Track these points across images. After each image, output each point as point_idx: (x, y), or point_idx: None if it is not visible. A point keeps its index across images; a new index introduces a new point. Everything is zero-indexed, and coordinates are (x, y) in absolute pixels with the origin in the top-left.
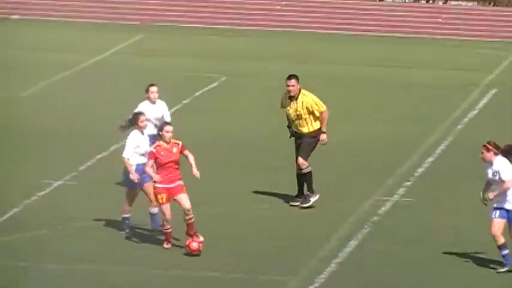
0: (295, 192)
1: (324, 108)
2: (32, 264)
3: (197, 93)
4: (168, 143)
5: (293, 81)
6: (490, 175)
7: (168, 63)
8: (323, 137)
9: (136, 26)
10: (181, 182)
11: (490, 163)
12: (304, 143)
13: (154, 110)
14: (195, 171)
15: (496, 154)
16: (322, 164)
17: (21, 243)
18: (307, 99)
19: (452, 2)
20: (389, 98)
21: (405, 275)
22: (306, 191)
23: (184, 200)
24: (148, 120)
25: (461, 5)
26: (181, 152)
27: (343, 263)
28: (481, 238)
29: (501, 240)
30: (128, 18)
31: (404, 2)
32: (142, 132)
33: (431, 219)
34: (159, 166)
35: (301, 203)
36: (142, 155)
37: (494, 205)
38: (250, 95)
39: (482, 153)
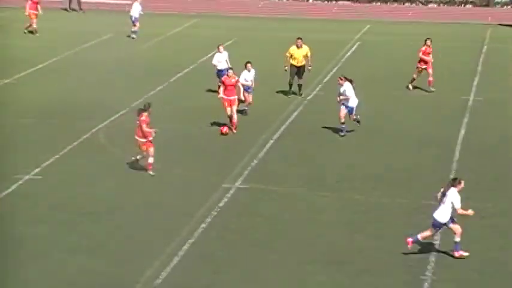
0: None
1: (310, 53)
2: None
3: None
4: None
5: (300, 41)
6: (341, 91)
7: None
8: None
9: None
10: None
11: (341, 86)
12: (302, 70)
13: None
14: None
15: (343, 81)
16: None
17: None
18: (306, 48)
19: None
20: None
21: None
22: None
23: None
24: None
25: None
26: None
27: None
28: None
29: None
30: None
31: None
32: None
33: None
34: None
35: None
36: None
37: (342, 102)
38: None
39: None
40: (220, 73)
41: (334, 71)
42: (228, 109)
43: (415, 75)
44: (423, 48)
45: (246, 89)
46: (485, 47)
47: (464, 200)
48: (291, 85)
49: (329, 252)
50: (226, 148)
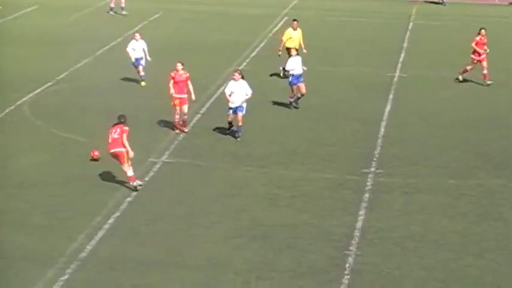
0: None
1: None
2: None
3: None
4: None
5: (296, 23)
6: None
7: None
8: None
9: None
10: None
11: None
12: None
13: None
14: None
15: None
16: None
17: None
18: (300, 30)
19: None
20: None
21: None
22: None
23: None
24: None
25: None
26: None
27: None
28: None
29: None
30: None
31: None
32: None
33: None
34: None
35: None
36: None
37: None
38: None
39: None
40: (136, 63)
41: (261, 45)
42: (178, 108)
43: (469, 67)
44: (477, 38)
45: (294, 79)
46: (411, 23)
47: (388, 176)
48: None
49: (254, 227)
50: (153, 122)
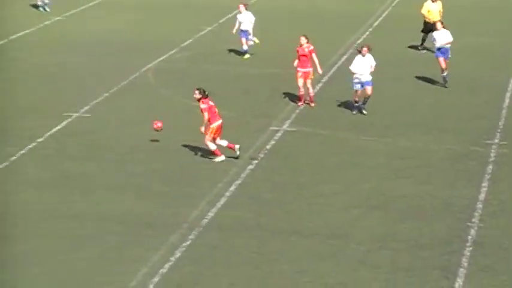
0: None
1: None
2: None
3: None
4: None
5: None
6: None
7: None
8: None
9: None
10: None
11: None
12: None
13: None
14: None
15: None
16: None
17: None
18: (440, 3)
19: None
20: None
21: None
22: None
23: None
24: None
25: None
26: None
27: None
28: None
29: None
30: None
31: None
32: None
33: None
34: None
35: None
36: None
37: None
38: None
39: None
40: (241, 34)
41: (384, 14)
42: (301, 81)
43: None
44: None
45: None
46: None
47: None
48: (424, 40)
49: (375, 197)
50: (274, 91)
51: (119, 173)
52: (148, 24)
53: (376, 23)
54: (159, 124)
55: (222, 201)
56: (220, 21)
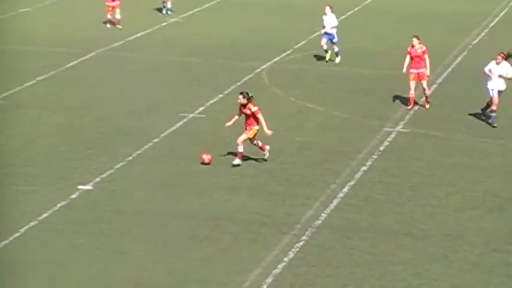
0: None
1: None
2: None
3: None
4: None
5: None
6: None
7: None
8: None
9: None
10: None
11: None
12: None
13: None
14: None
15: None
16: None
17: None
18: None
19: None
20: None
21: None
22: None
23: None
24: None
25: None
26: None
27: None
28: None
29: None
30: None
31: None
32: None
33: None
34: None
35: None
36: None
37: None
38: None
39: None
40: (326, 36)
41: (502, 14)
42: (413, 83)
43: None
44: None
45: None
46: None
47: None
48: None
49: (490, 199)
50: (388, 91)
51: (232, 173)
52: (262, 25)
53: (492, 24)
54: (209, 157)
55: (335, 202)
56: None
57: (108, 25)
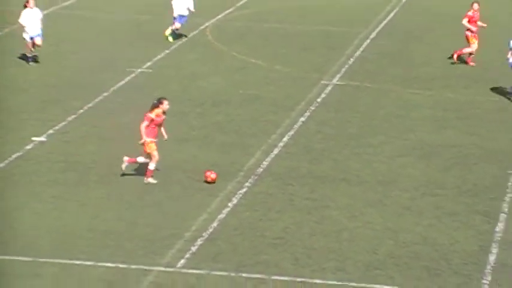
0: None
1: None
2: None
3: None
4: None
5: None
6: None
7: None
8: None
9: None
10: None
11: None
12: None
13: None
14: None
15: None
16: None
17: None
18: None
19: None
20: None
21: None
22: None
23: None
24: None
25: None
26: None
27: None
28: None
29: None
30: None
31: None
32: None
33: None
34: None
35: None
36: None
37: None
38: None
39: None
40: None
41: None
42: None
43: None
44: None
45: None
46: None
47: None
48: None
49: (420, 147)
50: (326, 47)
51: (181, 126)
52: None
53: None
54: (213, 176)
55: (276, 151)
56: None
57: None
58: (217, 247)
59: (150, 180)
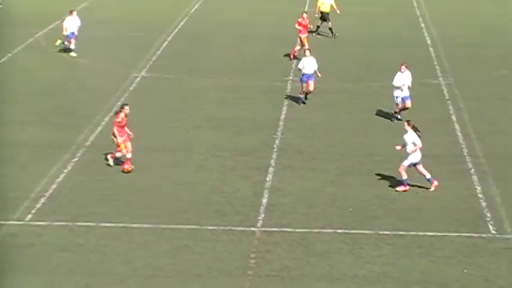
0: None
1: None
2: None
3: None
4: None
5: None
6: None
7: None
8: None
9: None
10: None
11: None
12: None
13: None
14: None
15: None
16: None
17: None
18: None
19: None
20: None
21: None
22: None
23: None
24: None
25: None
26: None
27: None
28: None
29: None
30: None
31: None
32: None
33: None
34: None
35: None
36: None
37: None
38: None
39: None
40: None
41: None
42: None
43: None
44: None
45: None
46: None
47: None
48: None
49: (209, 120)
50: (134, 47)
51: (24, 111)
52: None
53: None
54: (129, 168)
55: (99, 129)
56: None
57: None
58: (57, 203)
59: (110, 162)
